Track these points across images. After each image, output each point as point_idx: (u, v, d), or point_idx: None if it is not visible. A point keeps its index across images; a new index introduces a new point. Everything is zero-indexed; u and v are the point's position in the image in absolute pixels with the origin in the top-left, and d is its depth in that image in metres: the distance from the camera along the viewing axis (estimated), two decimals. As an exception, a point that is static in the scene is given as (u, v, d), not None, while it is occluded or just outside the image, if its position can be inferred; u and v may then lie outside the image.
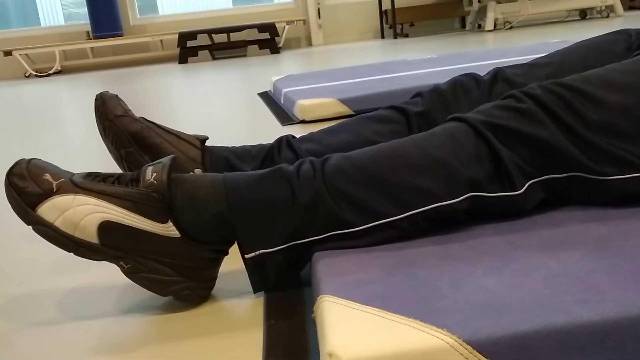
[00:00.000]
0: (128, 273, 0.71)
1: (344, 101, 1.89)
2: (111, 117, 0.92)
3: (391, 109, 0.97)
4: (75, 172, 0.72)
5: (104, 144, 0.96)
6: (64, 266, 0.93)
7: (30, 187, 0.69)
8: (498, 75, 0.96)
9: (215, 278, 0.74)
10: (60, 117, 2.79)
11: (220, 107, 2.48)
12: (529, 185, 0.72)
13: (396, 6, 5.91)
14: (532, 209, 0.73)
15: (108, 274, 0.87)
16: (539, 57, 0.99)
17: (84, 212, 0.68)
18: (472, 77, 0.98)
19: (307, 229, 0.69)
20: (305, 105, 1.89)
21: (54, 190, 0.69)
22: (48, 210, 0.68)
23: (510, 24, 5.30)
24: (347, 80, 2.31)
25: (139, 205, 0.68)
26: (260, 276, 0.71)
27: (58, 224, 0.68)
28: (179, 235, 0.69)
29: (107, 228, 0.68)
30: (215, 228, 0.70)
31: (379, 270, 0.64)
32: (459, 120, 0.74)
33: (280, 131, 1.82)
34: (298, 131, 1.77)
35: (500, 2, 5.30)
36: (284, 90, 2.25)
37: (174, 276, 0.70)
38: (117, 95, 0.95)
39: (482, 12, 5.46)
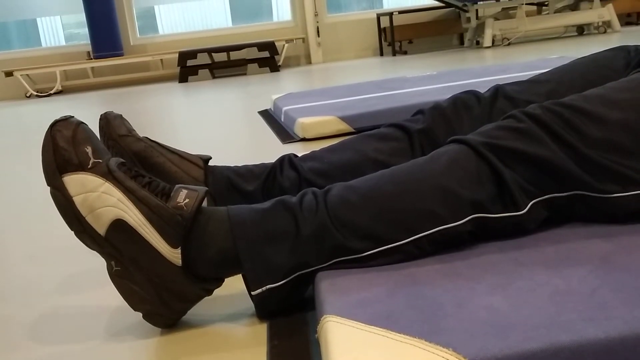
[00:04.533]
0: (114, 275, 0.70)
1: (344, 119, 1.90)
2: (115, 137, 0.92)
3: (393, 127, 0.97)
4: (112, 156, 0.71)
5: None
6: (67, 288, 0.93)
7: (69, 152, 0.68)
8: (498, 91, 0.96)
9: (185, 313, 0.74)
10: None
11: (220, 126, 2.48)
12: (532, 205, 0.72)
13: (395, 24, 5.95)
14: (536, 227, 0.73)
15: (109, 296, 0.87)
16: (539, 74, 0.99)
17: (106, 202, 0.67)
18: (472, 94, 0.98)
19: (312, 260, 0.69)
20: (305, 123, 1.90)
21: (89, 166, 0.68)
22: (74, 182, 0.67)
23: (508, 40, 5.33)
24: (347, 98, 2.32)
25: (161, 221, 0.68)
26: (267, 307, 0.71)
27: (77, 200, 0.67)
28: (180, 265, 0.69)
29: (119, 227, 0.68)
30: (215, 264, 0.70)
31: (383, 289, 0.64)
32: (460, 143, 0.74)
33: (281, 149, 1.82)
34: (299, 149, 1.77)
35: (498, 19, 5.34)
36: (284, 108, 2.26)
37: (154, 298, 0.70)
38: (121, 115, 0.95)
39: (480, 28, 5.49)
